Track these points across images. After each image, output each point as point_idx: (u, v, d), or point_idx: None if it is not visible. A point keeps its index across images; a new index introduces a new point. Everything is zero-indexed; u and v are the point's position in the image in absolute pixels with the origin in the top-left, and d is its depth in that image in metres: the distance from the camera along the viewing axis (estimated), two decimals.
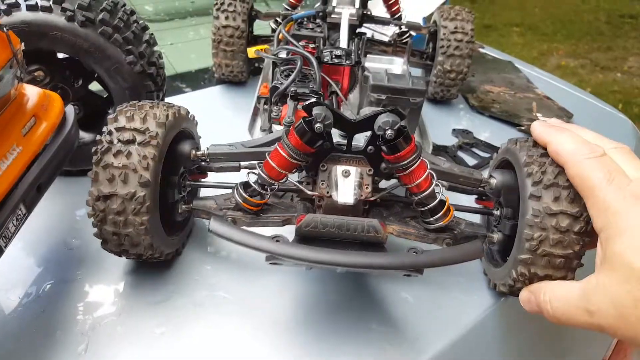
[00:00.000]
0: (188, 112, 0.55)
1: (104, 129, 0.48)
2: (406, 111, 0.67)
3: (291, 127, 0.48)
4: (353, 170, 0.51)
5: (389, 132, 0.46)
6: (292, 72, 0.66)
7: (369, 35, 0.95)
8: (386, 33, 0.93)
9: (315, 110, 0.46)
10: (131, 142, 0.47)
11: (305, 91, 0.62)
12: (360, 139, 0.52)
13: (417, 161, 0.49)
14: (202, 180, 0.58)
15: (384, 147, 0.49)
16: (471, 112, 0.97)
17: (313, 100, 0.48)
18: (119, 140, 0.47)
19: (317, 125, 0.46)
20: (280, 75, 0.66)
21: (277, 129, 0.63)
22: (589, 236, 0.47)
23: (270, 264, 0.46)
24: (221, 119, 0.83)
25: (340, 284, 0.57)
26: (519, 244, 0.49)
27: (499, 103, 1.00)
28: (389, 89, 0.65)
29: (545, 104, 1.02)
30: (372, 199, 0.52)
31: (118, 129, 0.48)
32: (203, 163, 0.56)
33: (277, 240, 0.44)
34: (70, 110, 0.51)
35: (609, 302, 0.37)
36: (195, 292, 0.54)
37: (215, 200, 0.54)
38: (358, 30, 0.87)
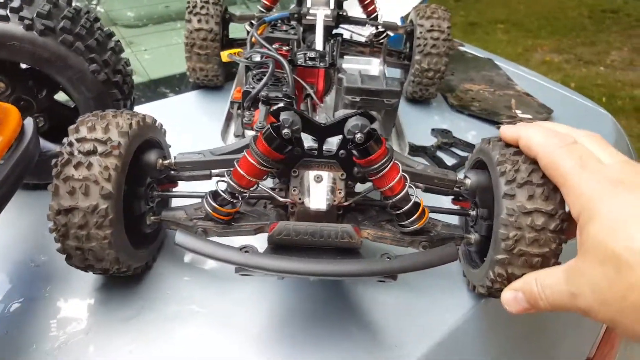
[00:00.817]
0: (154, 120, 0.53)
1: (64, 140, 0.46)
2: (382, 113, 0.66)
3: (259, 133, 0.46)
4: (325, 175, 0.50)
5: (358, 135, 0.45)
6: (265, 75, 0.64)
7: (347, 36, 0.94)
8: (364, 34, 0.92)
9: (283, 116, 0.45)
10: (92, 153, 0.45)
11: (278, 95, 0.61)
12: (334, 143, 0.51)
13: (388, 164, 0.48)
14: (172, 189, 0.57)
15: (354, 151, 0.47)
16: (451, 111, 0.96)
17: (280, 105, 0.46)
18: (80, 152, 0.45)
19: (285, 130, 0.45)
20: (253, 79, 0.65)
21: (250, 134, 0.61)
22: (565, 234, 0.46)
23: (241, 275, 0.45)
24: (197, 125, 0.82)
25: (318, 291, 0.55)
26: (495, 244, 0.48)
27: (479, 101, 0.99)
28: (363, 91, 0.64)
29: (525, 101, 1.02)
30: (345, 204, 0.50)
31: (79, 140, 0.46)
32: (172, 172, 0.54)
33: (246, 251, 0.43)
34: (29, 122, 0.49)
35: (587, 285, 0.38)
36: (166, 306, 0.52)
37: (185, 211, 0.53)
38: (334, 31, 0.86)
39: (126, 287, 0.53)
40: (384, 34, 0.91)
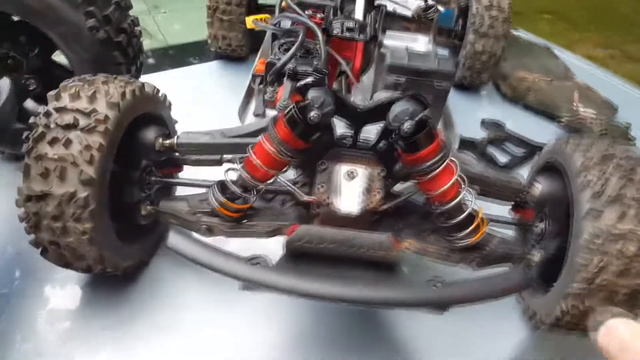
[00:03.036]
0: (156, 91, 0.44)
1: (40, 108, 0.38)
2: (429, 98, 0.55)
3: (280, 114, 0.37)
4: (360, 171, 0.40)
5: (407, 125, 0.35)
6: (293, 45, 0.54)
7: (390, 9, 0.83)
8: (410, 7, 0.80)
9: (312, 93, 0.36)
10: (72, 127, 0.36)
11: (307, 69, 0.51)
12: (372, 131, 0.41)
13: (442, 163, 0.38)
14: (176, 175, 0.48)
15: (399, 144, 0.38)
16: (503, 102, 0.85)
17: (309, 80, 0.37)
18: (57, 124, 0.36)
19: (314, 113, 0.35)
20: (279, 49, 0.55)
21: (272, 114, 0.52)
22: None
23: (247, 291, 0.35)
24: (213, 99, 0.72)
25: (340, 311, 0.46)
26: (570, 271, 0.39)
27: (535, 91, 0.87)
28: (410, 70, 0.53)
29: (587, 95, 0.89)
30: (382, 208, 0.40)
31: (58, 110, 0.37)
32: (176, 154, 0.45)
33: (256, 263, 0.34)
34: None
35: None
36: (160, 314, 0.44)
37: (188, 202, 0.44)
38: (377, 2, 0.75)
39: (116, 287, 0.45)
40: (434, 8, 0.79)
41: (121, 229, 0.41)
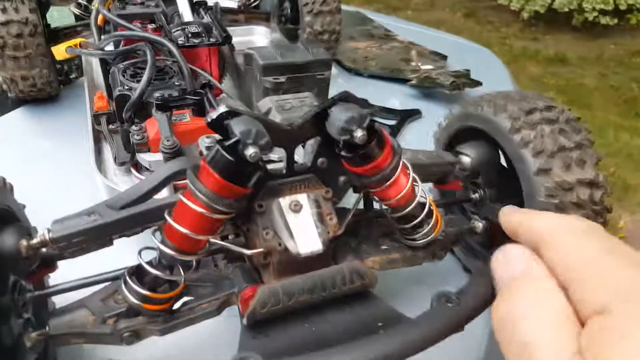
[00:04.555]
0: None
1: None
2: (314, 91, 0.51)
3: (202, 160, 0.28)
4: (304, 199, 0.34)
5: (359, 134, 0.30)
6: (140, 69, 0.44)
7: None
8: None
9: (239, 128, 0.28)
10: None
11: (174, 93, 0.41)
12: (299, 150, 0.35)
13: (399, 166, 0.33)
14: (49, 276, 0.35)
15: (348, 157, 0.32)
16: (349, 76, 0.84)
17: (222, 109, 0.28)
18: None
19: (251, 151, 0.27)
20: (124, 76, 0.44)
21: (150, 158, 0.40)
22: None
23: None
24: (37, 158, 0.55)
25: None
26: None
27: (373, 59, 0.88)
28: (287, 67, 0.47)
29: (417, 51, 0.94)
30: (341, 231, 0.35)
31: None
32: (44, 249, 0.32)
33: None
34: None
35: None
36: None
37: (88, 307, 0.32)
38: None
39: None
40: None
41: None
